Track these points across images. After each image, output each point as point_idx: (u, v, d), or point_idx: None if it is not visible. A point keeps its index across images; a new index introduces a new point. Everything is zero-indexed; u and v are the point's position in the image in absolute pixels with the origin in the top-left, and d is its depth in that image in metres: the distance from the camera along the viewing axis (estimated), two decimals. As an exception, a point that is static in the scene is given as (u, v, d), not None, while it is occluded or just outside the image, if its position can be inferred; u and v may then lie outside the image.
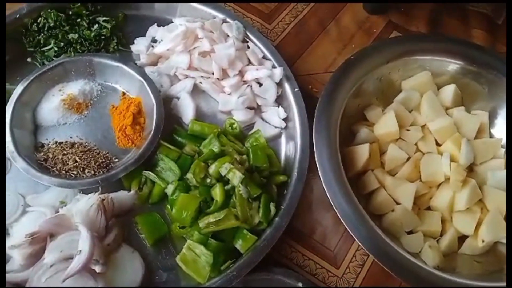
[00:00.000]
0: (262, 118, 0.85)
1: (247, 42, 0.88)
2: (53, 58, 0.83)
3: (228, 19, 0.89)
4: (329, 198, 0.68)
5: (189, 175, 0.72)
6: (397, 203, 0.74)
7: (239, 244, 0.69)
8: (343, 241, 0.76)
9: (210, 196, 0.72)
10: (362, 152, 0.75)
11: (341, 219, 0.67)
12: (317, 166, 0.71)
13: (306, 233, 0.76)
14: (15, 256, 0.65)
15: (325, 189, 0.69)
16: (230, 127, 0.81)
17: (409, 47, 0.83)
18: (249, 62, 0.86)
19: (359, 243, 0.66)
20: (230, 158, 0.72)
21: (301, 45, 0.96)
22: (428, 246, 0.70)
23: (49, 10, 0.85)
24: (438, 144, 0.78)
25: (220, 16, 0.90)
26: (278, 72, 0.83)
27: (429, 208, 0.76)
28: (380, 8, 1.01)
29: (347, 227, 0.66)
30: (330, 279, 0.73)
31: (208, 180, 0.72)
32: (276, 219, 0.71)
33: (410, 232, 0.74)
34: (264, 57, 0.87)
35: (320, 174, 0.70)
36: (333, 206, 0.68)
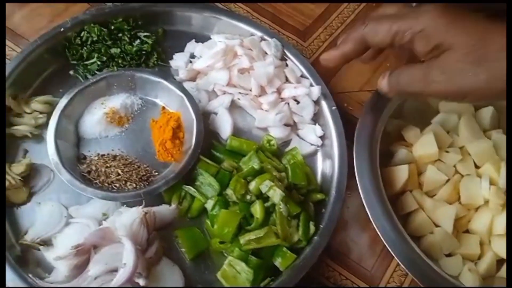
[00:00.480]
0: (298, 135, 0.85)
1: (285, 60, 0.89)
2: (96, 72, 0.84)
3: (265, 37, 0.91)
4: (371, 219, 0.69)
5: (229, 191, 0.73)
6: (436, 225, 0.74)
7: (278, 262, 0.70)
8: (380, 262, 0.76)
9: (249, 212, 0.72)
10: (401, 173, 0.75)
11: (382, 240, 0.67)
12: (358, 185, 0.71)
13: (343, 252, 0.76)
14: (60, 267, 0.66)
15: (367, 210, 0.69)
16: (267, 144, 0.81)
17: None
18: (286, 80, 0.87)
19: (401, 264, 0.66)
20: (270, 175, 0.73)
21: (336, 63, 0.97)
22: (468, 269, 0.70)
23: (92, 25, 0.87)
24: (476, 166, 0.77)
25: (258, 33, 0.92)
26: (316, 90, 0.84)
27: (467, 231, 0.76)
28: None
29: (389, 249, 0.66)
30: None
31: (248, 197, 0.73)
32: (315, 238, 0.72)
33: (448, 255, 0.73)
34: (302, 75, 0.88)
35: (361, 194, 0.70)
36: (374, 226, 0.68)
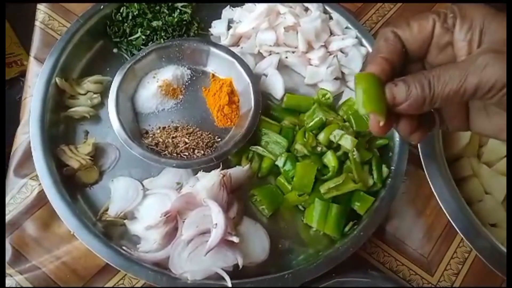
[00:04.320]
0: (349, 87, 0.86)
1: (329, 13, 0.89)
2: (142, 47, 0.84)
3: None
4: (429, 181, 0.71)
5: (298, 146, 0.74)
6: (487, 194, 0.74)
7: (357, 206, 0.72)
8: (436, 249, 0.76)
9: (321, 164, 0.74)
10: (463, 137, 0.76)
11: (440, 204, 0.69)
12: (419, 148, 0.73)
13: (399, 238, 0.76)
14: (153, 236, 0.67)
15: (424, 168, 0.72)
16: (323, 98, 0.82)
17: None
18: (331, 33, 0.88)
19: (462, 237, 0.68)
20: (337, 125, 0.74)
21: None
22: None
23: (130, 0, 0.85)
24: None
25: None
26: (364, 50, 0.85)
27: None
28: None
29: (452, 223, 0.68)
30: (425, 286, 0.73)
31: (318, 149, 0.74)
32: (389, 180, 0.74)
33: (493, 225, 0.74)
34: (347, 27, 0.88)
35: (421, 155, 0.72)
36: (433, 190, 0.70)
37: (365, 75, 0.46)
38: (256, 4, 0.88)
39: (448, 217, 0.68)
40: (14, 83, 1.52)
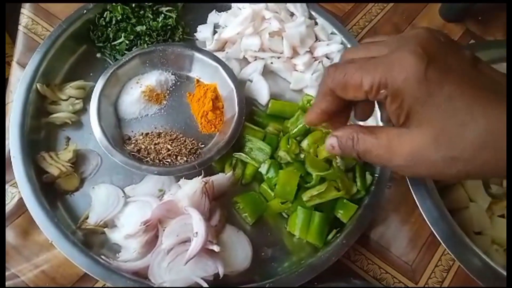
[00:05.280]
0: (334, 93, 0.86)
1: (314, 18, 0.89)
2: (125, 52, 0.83)
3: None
4: (410, 186, 0.70)
5: (282, 153, 0.73)
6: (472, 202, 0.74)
7: (340, 214, 0.71)
8: (421, 256, 0.75)
9: (304, 171, 0.73)
10: None
11: (423, 214, 0.68)
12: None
13: (383, 246, 0.75)
14: (132, 245, 0.66)
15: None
16: (308, 103, 0.81)
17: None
18: (316, 39, 0.87)
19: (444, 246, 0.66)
20: (321, 132, 0.74)
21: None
22: (495, 249, 0.70)
23: (114, 4, 0.84)
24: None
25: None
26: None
27: (502, 216, 0.74)
28: (456, 16, 0.99)
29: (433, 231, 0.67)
30: (409, 295, 0.72)
31: (302, 156, 0.73)
32: (372, 187, 0.73)
33: (478, 233, 0.73)
34: (332, 33, 0.88)
35: None
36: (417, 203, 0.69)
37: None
38: (241, 8, 0.88)
39: (430, 225, 0.67)
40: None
